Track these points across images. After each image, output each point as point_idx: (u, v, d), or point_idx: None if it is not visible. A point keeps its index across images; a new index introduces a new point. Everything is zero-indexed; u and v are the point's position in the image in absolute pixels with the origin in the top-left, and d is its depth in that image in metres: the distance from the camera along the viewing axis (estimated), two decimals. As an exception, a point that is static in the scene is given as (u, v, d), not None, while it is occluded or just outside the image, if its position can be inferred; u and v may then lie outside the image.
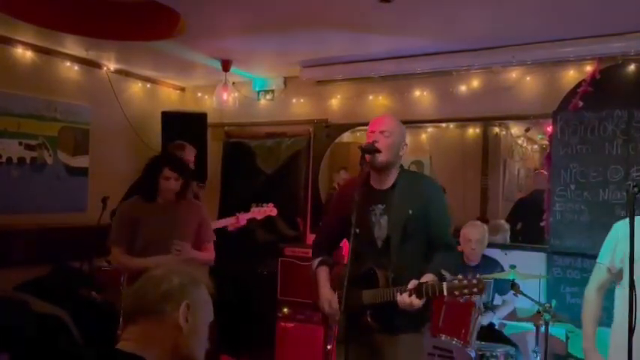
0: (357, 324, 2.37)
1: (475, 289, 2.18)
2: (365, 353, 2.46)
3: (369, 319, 2.39)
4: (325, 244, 2.75)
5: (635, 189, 2.04)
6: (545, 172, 4.37)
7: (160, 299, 1.42)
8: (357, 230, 2.35)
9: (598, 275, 2.59)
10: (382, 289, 2.37)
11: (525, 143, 6.05)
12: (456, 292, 2.20)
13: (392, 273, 2.39)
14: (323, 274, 2.60)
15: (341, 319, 2.28)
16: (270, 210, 4.19)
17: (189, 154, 4.06)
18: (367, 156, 2.43)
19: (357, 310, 2.38)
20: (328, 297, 2.52)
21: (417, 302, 2.24)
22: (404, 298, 2.25)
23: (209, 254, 3.37)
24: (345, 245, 2.78)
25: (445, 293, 2.21)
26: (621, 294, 2.38)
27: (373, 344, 2.46)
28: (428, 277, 2.28)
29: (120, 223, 3.26)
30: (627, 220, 2.40)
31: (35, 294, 3.93)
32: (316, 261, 2.65)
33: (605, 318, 2.63)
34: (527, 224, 4.73)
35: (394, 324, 2.41)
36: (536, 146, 5.44)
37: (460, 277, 2.21)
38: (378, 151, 2.42)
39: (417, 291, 2.24)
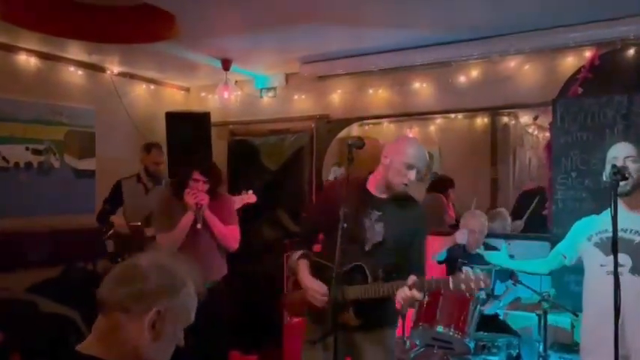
0: (336, 320, 2.38)
1: (482, 284, 2.21)
2: (343, 349, 2.47)
3: (352, 315, 2.43)
4: (308, 239, 2.81)
5: (618, 176, 2.02)
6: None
7: (131, 298, 1.34)
8: (345, 225, 2.37)
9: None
10: (372, 285, 2.40)
11: (536, 131, 5.97)
12: (463, 286, 2.22)
13: (382, 272, 2.43)
14: (304, 266, 2.62)
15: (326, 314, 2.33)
16: (248, 197, 4.10)
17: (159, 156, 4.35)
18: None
19: (339, 306, 2.40)
20: (316, 287, 2.51)
21: (418, 295, 2.29)
22: (404, 292, 2.29)
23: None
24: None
25: (451, 287, 2.25)
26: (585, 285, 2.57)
27: (351, 340, 2.51)
28: (412, 279, 2.31)
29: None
30: (587, 219, 2.48)
31: (47, 295, 4.02)
32: (297, 254, 2.68)
33: (580, 303, 2.73)
34: (532, 214, 4.70)
35: (373, 320, 2.48)
36: (547, 134, 5.39)
37: (465, 270, 2.24)
38: (364, 145, 2.46)
39: (418, 285, 2.29)
